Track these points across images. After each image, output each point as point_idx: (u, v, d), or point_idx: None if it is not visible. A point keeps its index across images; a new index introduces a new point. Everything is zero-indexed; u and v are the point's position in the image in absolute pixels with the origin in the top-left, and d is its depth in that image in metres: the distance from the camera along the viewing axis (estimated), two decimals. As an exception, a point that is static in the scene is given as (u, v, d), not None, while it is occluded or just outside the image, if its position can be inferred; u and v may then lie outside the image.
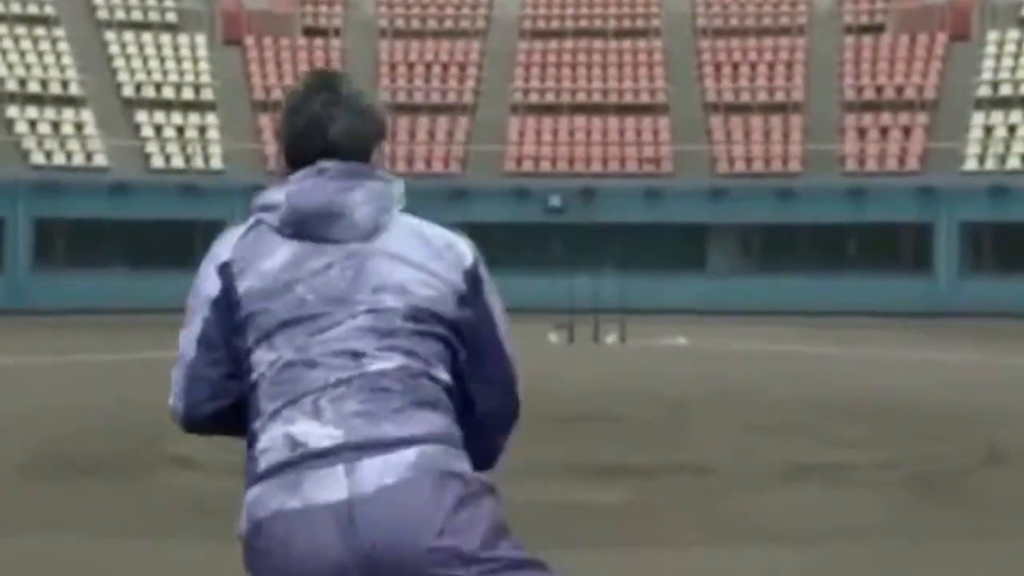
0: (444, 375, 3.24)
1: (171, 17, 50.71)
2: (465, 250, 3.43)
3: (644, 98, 48.96)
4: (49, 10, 49.14)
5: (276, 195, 3.33)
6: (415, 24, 51.95)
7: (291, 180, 3.34)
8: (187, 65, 49.16)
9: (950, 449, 15.01)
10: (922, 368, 25.22)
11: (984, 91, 46.40)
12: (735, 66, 49.29)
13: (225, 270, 3.31)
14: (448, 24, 51.97)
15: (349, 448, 3.02)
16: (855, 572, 9.69)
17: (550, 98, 49.31)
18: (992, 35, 47.97)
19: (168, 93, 47.95)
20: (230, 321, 3.30)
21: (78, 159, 45.21)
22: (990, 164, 44.42)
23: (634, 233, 44.32)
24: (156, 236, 44.00)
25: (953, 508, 11.99)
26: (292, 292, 3.20)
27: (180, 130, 47.05)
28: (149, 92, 47.88)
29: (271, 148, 44.91)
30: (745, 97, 48.31)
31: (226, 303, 3.31)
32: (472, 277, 3.37)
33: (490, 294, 3.41)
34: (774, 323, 36.90)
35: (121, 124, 46.73)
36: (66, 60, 47.96)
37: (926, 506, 12.11)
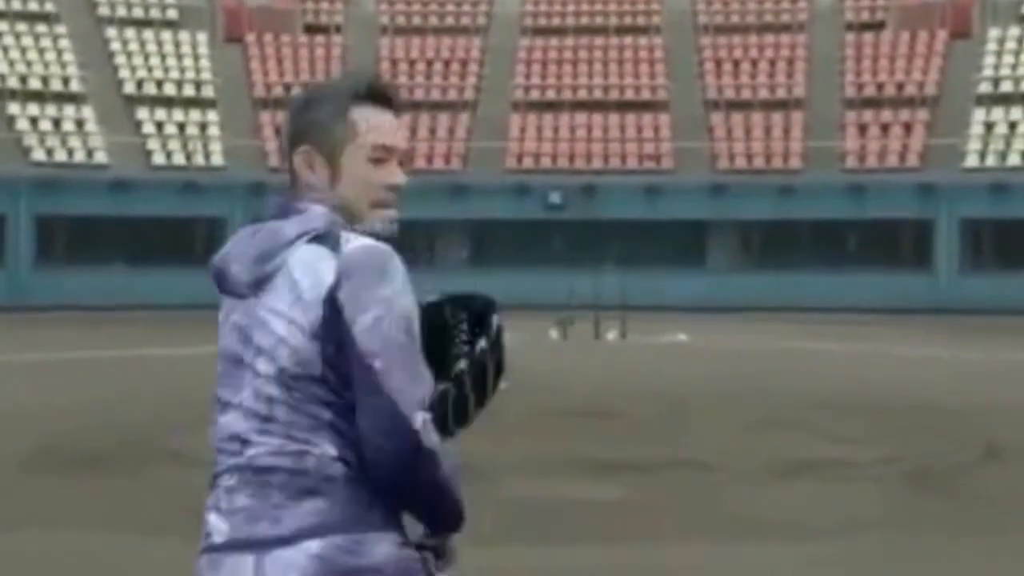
0: (328, 448, 2.99)
1: (172, 14, 50.73)
2: (326, 275, 3.00)
3: (645, 95, 48.98)
4: (50, 7, 49.16)
5: None
6: (416, 21, 51.97)
7: None
8: (188, 62, 49.18)
9: (949, 445, 15.04)
10: (922, 364, 25.23)
11: (985, 88, 46.41)
12: (736, 63, 49.30)
13: None
14: (449, 21, 51.99)
15: (236, 546, 2.99)
16: (854, 567, 9.71)
17: (551, 95, 49.32)
18: (993, 32, 47.99)
19: (169, 90, 47.98)
20: None
21: (79, 156, 45.24)
22: (991, 161, 44.44)
23: (635, 230, 44.33)
24: (157, 233, 44.05)
25: (951, 504, 12.01)
26: (221, 350, 3.18)
27: (181, 127, 47.08)
28: (150, 89, 47.91)
29: (272, 145, 44.96)
30: (746, 94, 48.32)
31: None
32: (330, 305, 2.99)
33: (358, 316, 2.97)
34: (774, 319, 36.90)
35: (122, 121, 46.76)
36: (67, 57, 47.99)
37: (924, 501, 12.13)
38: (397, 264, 3.02)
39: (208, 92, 48.37)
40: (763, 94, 48.19)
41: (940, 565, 9.75)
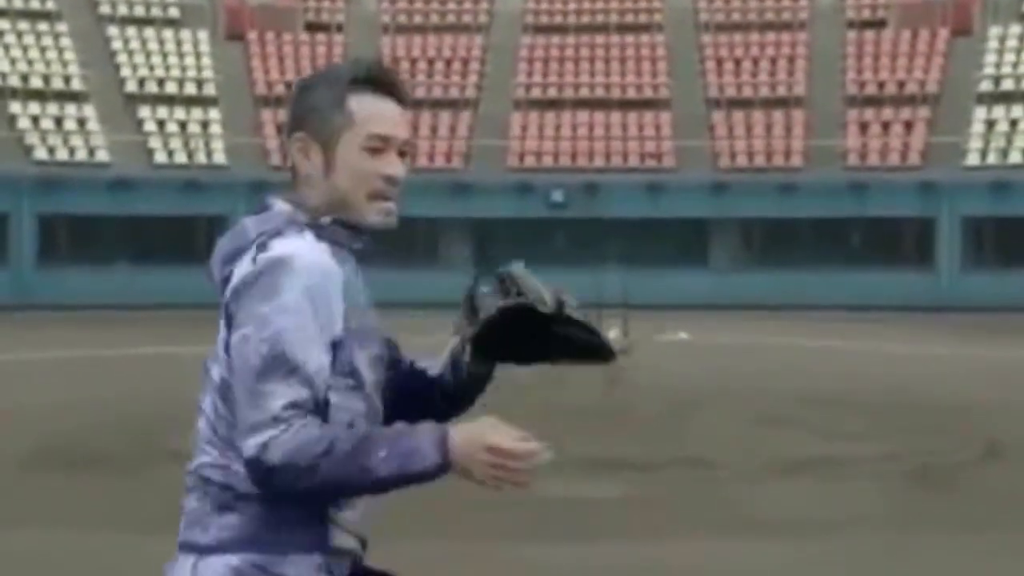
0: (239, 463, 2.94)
1: (173, 12, 50.73)
2: (244, 267, 2.94)
3: (646, 93, 48.96)
4: (51, 5, 49.16)
5: None
6: (417, 19, 51.95)
7: None
8: (189, 60, 49.18)
9: (949, 443, 15.06)
10: (923, 362, 25.25)
11: (986, 86, 46.39)
12: (737, 61, 49.29)
13: None
14: (450, 19, 51.97)
15: (182, 547, 3.03)
16: (854, 564, 9.73)
17: (552, 93, 49.31)
18: (994, 30, 47.97)
19: (171, 88, 47.98)
20: None
21: (81, 155, 45.24)
22: (992, 159, 44.42)
23: (637, 228, 44.33)
24: (159, 231, 44.07)
25: (952, 501, 12.04)
26: None
27: (183, 125, 47.08)
28: (152, 87, 47.91)
29: (273, 143, 44.97)
30: (747, 92, 48.31)
31: None
32: (227, 307, 2.95)
33: (233, 333, 2.90)
34: (776, 317, 36.90)
35: (124, 120, 46.76)
36: (68, 55, 48.00)
37: (925, 499, 12.16)
38: (296, 278, 2.87)
39: (210, 90, 48.37)
40: (764, 92, 48.18)
41: (940, 563, 9.77)
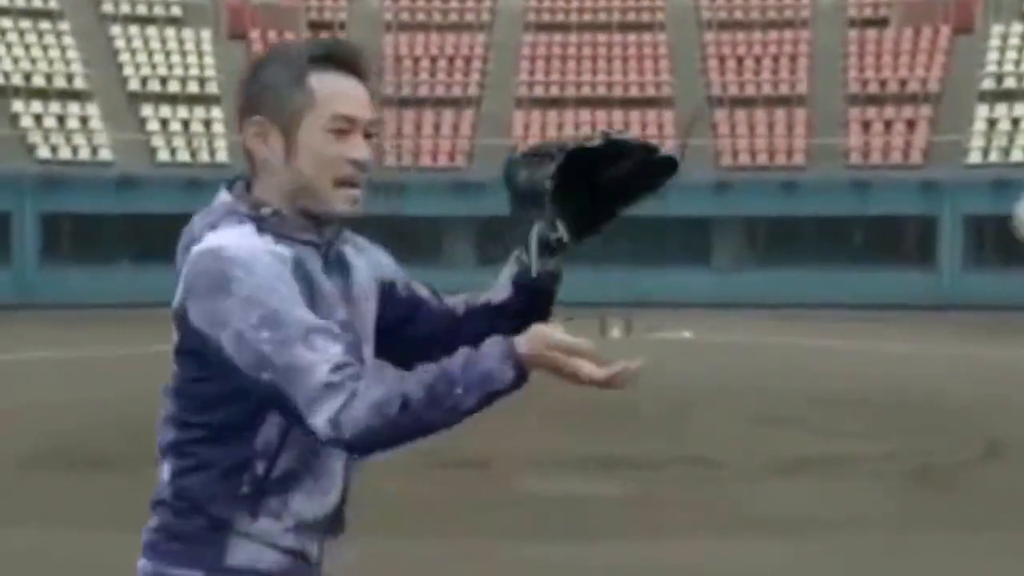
0: (165, 471, 2.87)
1: (176, 11, 50.76)
2: (185, 267, 2.81)
3: (649, 91, 48.97)
4: (53, 4, 49.17)
5: None
6: (420, 17, 51.96)
7: None
8: (192, 59, 49.22)
9: (950, 442, 15.07)
10: (924, 361, 25.25)
11: (988, 84, 46.38)
12: (739, 59, 49.30)
13: None
14: (453, 17, 51.99)
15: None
16: (854, 563, 9.75)
17: (555, 91, 49.31)
18: (996, 28, 47.96)
19: (173, 87, 48.01)
20: None
21: (84, 153, 45.26)
22: (994, 157, 44.41)
23: (639, 227, 44.32)
24: (162, 230, 43.86)
25: (953, 501, 12.05)
26: None
27: (185, 124, 47.12)
28: (154, 86, 47.94)
29: (276, 142, 44.96)
30: (749, 90, 48.31)
31: None
32: (183, 320, 2.77)
33: (220, 336, 2.70)
34: (779, 316, 36.91)
35: (126, 118, 46.79)
36: (71, 54, 48.02)
37: (926, 498, 12.17)
38: (240, 267, 2.70)
39: (212, 89, 48.39)
40: (766, 90, 48.18)
41: (941, 562, 9.78)
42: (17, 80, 46.43)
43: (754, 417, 16.83)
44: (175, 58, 49.07)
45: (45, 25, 48.57)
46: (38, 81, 46.69)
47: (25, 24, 48.30)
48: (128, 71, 48.24)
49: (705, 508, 11.65)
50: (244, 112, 2.92)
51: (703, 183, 44.87)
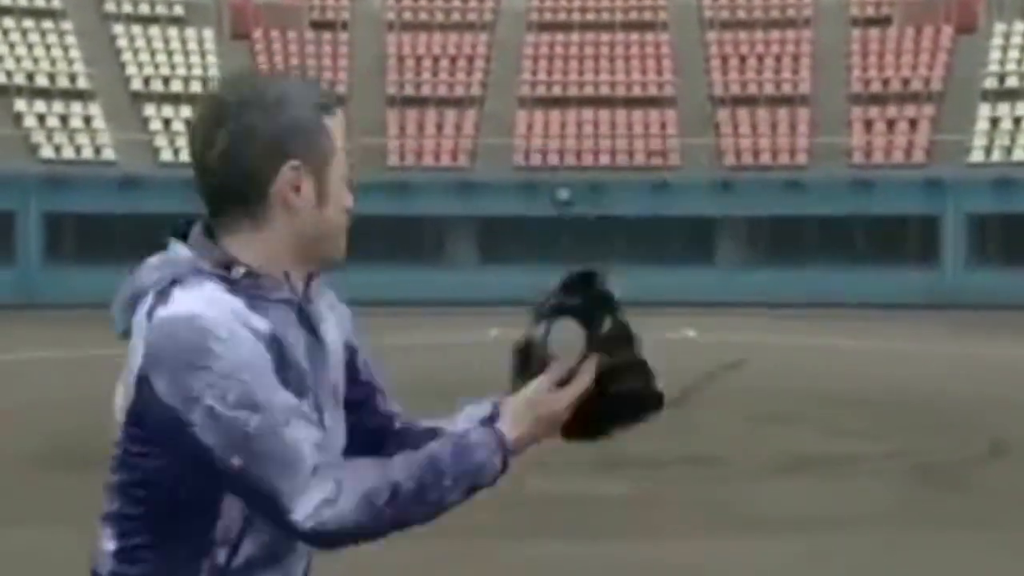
0: (107, 542, 2.62)
1: (179, 10, 50.79)
2: (138, 355, 2.55)
3: (651, 91, 48.98)
4: (56, 3, 49.21)
5: None
6: (423, 16, 51.96)
7: None
8: (195, 59, 49.25)
9: (953, 440, 15.07)
10: (926, 359, 25.24)
11: (990, 83, 46.37)
12: (742, 59, 49.30)
13: None
14: (455, 17, 52.00)
15: None
16: (856, 561, 9.75)
17: (557, 91, 49.31)
18: (998, 27, 47.95)
19: (176, 86, 48.04)
20: None
21: (87, 153, 45.29)
22: (996, 156, 44.41)
23: (642, 226, 44.34)
24: (165, 230, 44.04)
25: (955, 499, 12.05)
26: None
27: (188, 123, 47.09)
28: (157, 86, 47.97)
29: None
30: (752, 90, 48.31)
31: None
32: (145, 388, 2.51)
33: (191, 415, 2.44)
34: (781, 315, 36.88)
35: (129, 118, 46.82)
36: (74, 54, 48.05)
37: (928, 497, 12.17)
38: (216, 340, 2.48)
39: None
40: (769, 90, 48.19)
41: (942, 560, 9.78)
42: (20, 80, 46.47)
43: (756, 415, 16.83)
44: (178, 58, 49.09)
45: (48, 25, 48.61)
46: (41, 81, 46.72)
47: (28, 24, 48.33)
48: (131, 71, 48.27)
49: (705, 508, 11.65)
50: (265, 154, 2.69)
51: (706, 182, 44.91)
